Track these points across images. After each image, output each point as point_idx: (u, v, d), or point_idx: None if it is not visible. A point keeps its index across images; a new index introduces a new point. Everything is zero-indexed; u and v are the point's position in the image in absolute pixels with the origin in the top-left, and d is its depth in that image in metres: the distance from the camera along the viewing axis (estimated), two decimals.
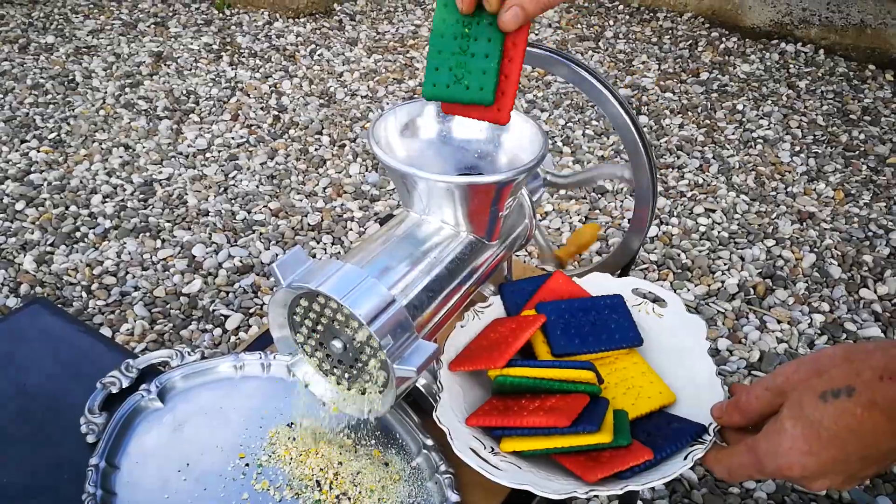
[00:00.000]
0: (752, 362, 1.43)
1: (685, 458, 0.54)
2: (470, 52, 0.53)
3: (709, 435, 0.55)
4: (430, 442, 0.61)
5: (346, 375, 0.58)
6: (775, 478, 0.48)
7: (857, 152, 2.08)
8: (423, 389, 0.61)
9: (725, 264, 1.67)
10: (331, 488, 0.58)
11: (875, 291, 1.60)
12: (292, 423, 0.63)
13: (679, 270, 1.65)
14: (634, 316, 0.66)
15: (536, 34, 2.74)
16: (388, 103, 2.27)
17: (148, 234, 1.73)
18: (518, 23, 0.51)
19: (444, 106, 0.56)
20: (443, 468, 0.59)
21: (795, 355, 1.45)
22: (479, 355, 0.60)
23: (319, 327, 0.56)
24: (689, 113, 2.24)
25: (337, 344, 0.55)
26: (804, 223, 1.80)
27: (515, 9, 0.51)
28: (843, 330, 1.51)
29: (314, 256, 1.70)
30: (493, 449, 0.56)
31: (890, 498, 1.20)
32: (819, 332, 1.51)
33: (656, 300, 0.68)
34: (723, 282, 1.62)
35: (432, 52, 0.55)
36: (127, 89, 2.31)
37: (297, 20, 2.78)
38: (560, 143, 2.09)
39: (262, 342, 0.71)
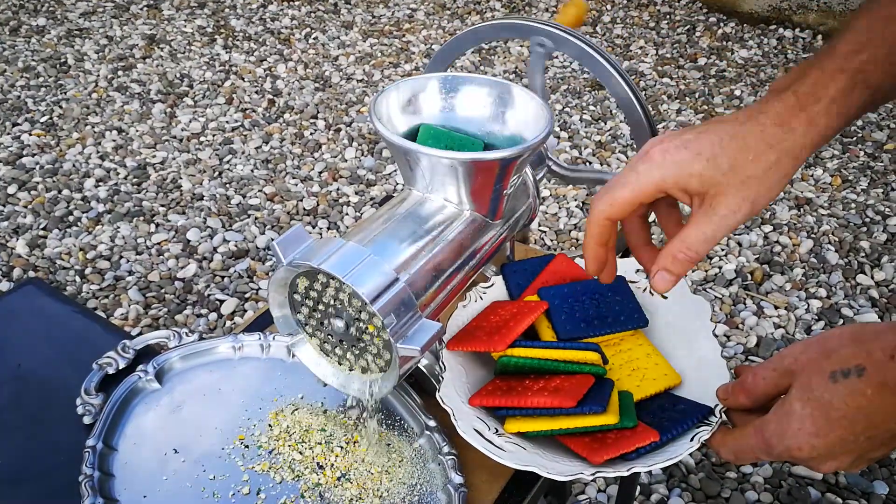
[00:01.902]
0: (749, 347, 1.43)
1: (691, 440, 0.53)
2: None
3: (715, 417, 0.55)
4: (433, 423, 0.60)
5: (348, 355, 0.57)
6: (783, 460, 0.48)
7: (854, 138, 2.07)
8: (425, 370, 0.60)
9: (723, 250, 1.67)
10: (332, 470, 0.57)
11: (872, 277, 1.61)
12: (293, 404, 0.62)
13: None
14: (638, 297, 0.65)
15: None
16: (383, 87, 2.25)
17: (142, 218, 1.71)
18: (669, 286, 0.51)
19: None
20: (446, 449, 0.58)
21: (793, 341, 1.45)
22: (478, 337, 0.60)
23: (321, 307, 0.55)
24: (687, 98, 2.23)
25: (339, 323, 0.55)
26: (802, 209, 1.80)
27: (662, 273, 0.51)
28: (840, 315, 1.51)
29: None
30: (497, 430, 0.56)
31: (886, 482, 1.20)
32: (816, 317, 1.51)
33: None
34: (720, 267, 1.62)
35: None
36: (120, 72, 2.28)
37: (291, 3, 2.75)
38: (557, 128, 2.08)
39: (261, 323, 0.70)
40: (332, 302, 0.54)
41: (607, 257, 0.53)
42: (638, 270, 0.68)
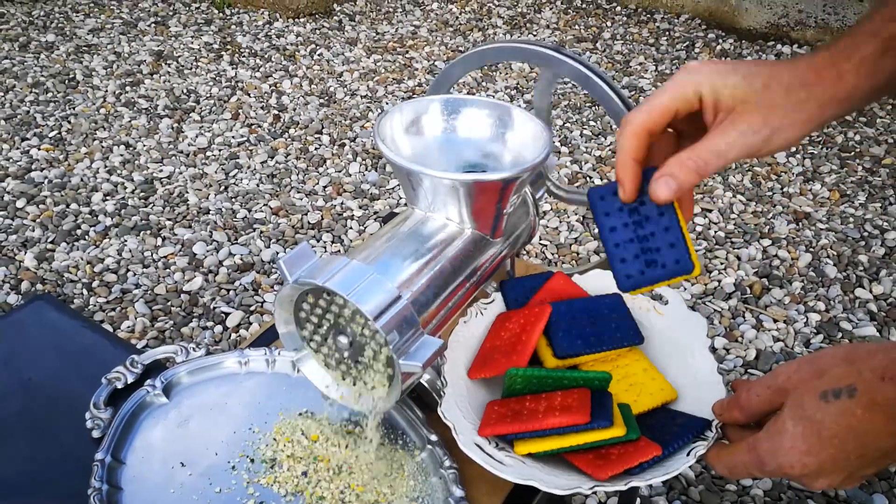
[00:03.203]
0: (748, 361, 1.44)
1: (688, 455, 0.54)
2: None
3: (711, 431, 0.56)
4: (434, 437, 0.61)
5: (352, 371, 0.58)
6: (775, 476, 0.49)
7: (852, 153, 2.09)
8: (427, 385, 0.61)
9: (722, 264, 1.68)
10: (335, 484, 0.58)
11: (870, 291, 1.61)
12: (297, 419, 0.63)
13: None
14: (635, 314, 0.67)
15: (534, 34, 2.75)
16: (387, 103, 2.27)
17: (149, 231, 1.73)
18: (670, 194, 0.50)
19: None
20: (447, 463, 0.60)
21: (792, 354, 1.46)
22: (497, 360, 0.61)
23: (325, 323, 0.57)
24: None
25: (343, 339, 0.56)
26: (800, 223, 1.81)
27: (666, 178, 0.50)
28: (839, 329, 1.52)
29: None
30: (497, 444, 0.57)
31: (885, 496, 1.20)
32: (815, 331, 1.52)
33: (657, 298, 0.69)
34: (719, 281, 1.63)
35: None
36: (127, 88, 2.31)
37: (297, 20, 2.78)
38: (558, 144, 2.10)
39: (267, 338, 0.71)
40: (336, 318, 0.56)
41: (639, 173, 0.52)
42: None
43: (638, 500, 1.17)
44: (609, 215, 0.53)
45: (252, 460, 0.60)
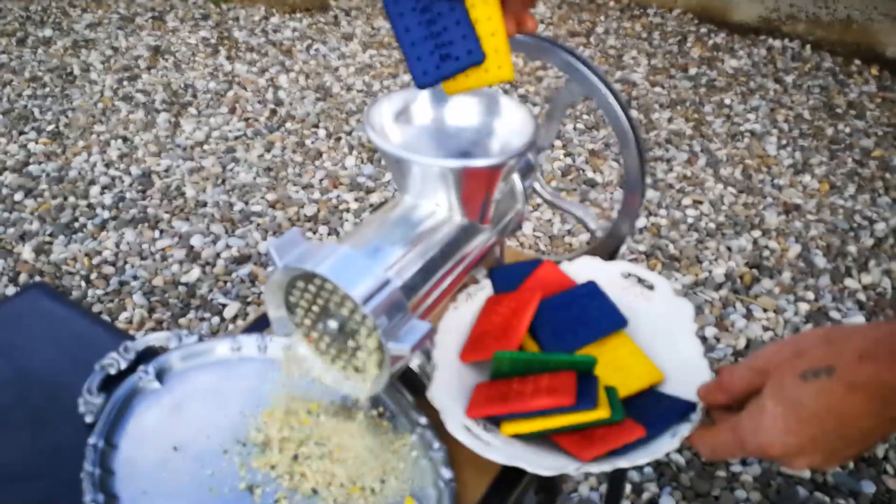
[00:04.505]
0: (738, 349, 1.45)
1: (672, 437, 0.55)
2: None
3: (696, 413, 0.57)
4: (423, 420, 0.62)
5: (342, 355, 0.59)
6: (756, 456, 0.50)
7: (842, 145, 2.10)
8: (416, 368, 0.62)
9: (713, 254, 1.69)
10: (325, 466, 0.59)
11: (859, 281, 1.63)
12: (289, 403, 0.64)
13: (667, 260, 1.67)
14: (623, 299, 0.67)
15: None
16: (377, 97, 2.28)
17: (146, 224, 1.74)
18: None
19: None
20: (436, 446, 0.60)
21: None
22: (488, 343, 0.62)
23: (315, 308, 0.57)
24: (678, 107, 2.26)
25: (332, 324, 0.57)
26: (790, 214, 1.82)
27: None
28: (828, 318, 1.53)
29: None
30: (485, 426, 0.58)
31: (873, 482, 1.22)
32: (804, 320, 1.53)
33: (647, 284, 0.70)
34: (710, 271, 1.64)
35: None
36: (125, 82, 2.31)
37: (293, 15, 2.79)
38: None
39: (260, 324, 0.72)
40: (326, 303, 0.56)
41: None
42: (628, 276, 0.70)
43: (629, 486, 1.18)
44: (403, 16, 0.53)
45: (244, 444, 0.60)
